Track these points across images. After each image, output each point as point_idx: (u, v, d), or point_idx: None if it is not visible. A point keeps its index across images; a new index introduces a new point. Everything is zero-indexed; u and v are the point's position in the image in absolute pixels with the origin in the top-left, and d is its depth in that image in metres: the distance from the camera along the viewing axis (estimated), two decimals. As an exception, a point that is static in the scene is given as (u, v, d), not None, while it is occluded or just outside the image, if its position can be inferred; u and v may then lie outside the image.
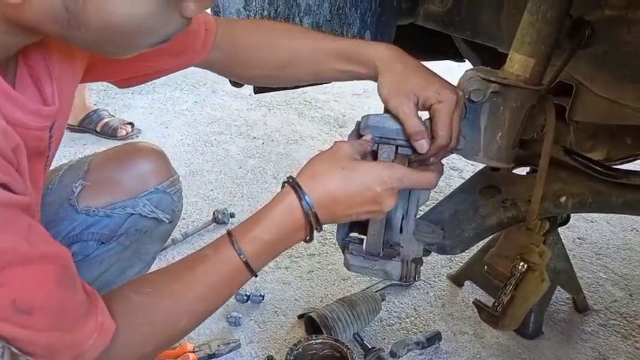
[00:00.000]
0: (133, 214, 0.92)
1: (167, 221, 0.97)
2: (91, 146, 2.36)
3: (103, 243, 0.92)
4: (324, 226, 0.71)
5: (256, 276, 0.70)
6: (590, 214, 2.03)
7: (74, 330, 0.58)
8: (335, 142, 0.74)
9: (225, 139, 2.54)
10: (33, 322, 0.53)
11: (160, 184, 0.95)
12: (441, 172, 0.79)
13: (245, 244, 0.68)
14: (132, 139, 2.33)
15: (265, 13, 1.10)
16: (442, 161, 0.84)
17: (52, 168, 0.96)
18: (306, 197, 0.67)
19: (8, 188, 0.51)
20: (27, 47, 0.60)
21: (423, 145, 0.76)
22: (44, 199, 0.88)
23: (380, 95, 0.80)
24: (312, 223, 0.69)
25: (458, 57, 1.53)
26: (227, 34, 0.89)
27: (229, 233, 0.69)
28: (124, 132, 2.41)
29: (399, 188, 0.71)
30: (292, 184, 0.69)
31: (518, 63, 0.86)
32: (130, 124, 2.45)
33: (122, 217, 0.91)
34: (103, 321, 0.60)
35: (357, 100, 3.05)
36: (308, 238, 0.71)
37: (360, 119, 0.81)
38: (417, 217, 0.96)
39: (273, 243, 0.69)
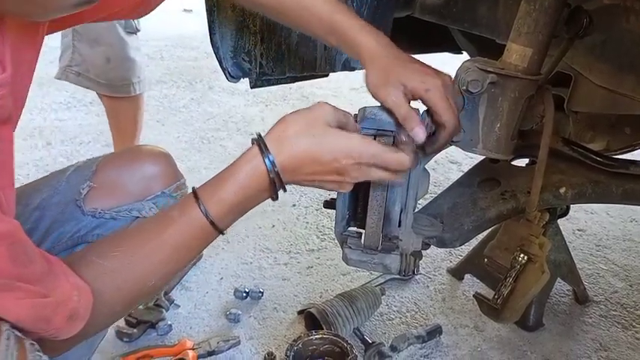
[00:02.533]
0: (138, 217, 0.92)
1: None
2: (87, 146, 2.35)
3: None
4: (323, 222, 0.71)
5: (223, 234, 0.71)
6: (589, 206, 2.02)
7: (50, 292, 0.57)
8: (319, 102, 0.72)
9: (222, 136, 2.53)
10: (12, 296, 0.53)
11: (167, 188, 0.95)
12: (415, 154, 0.77)
13: (211, 206, 0.68)
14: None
15: (260, 6, 1.09)
16: (440, 155, 0.83)
17: (60, 169, 0.97)
18: (270, 158, 0.67)
19: None
20: None
21: (419, 133, 0.75)
22: (50, 199, 0.89)
23: (368, 88, 0.80)
24: (276, 184, 0.69)
25: (455, 49, 1.52)
26: None
27: (195, 193, 0.69)
28: None
29: (369, 165, 0.70)
30: (259, 143, 0.68)
31: (516, 53, 0.85)
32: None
33: (127, 220, 0.91)
34: (75, 281, 0.60)
35: (356, 94, 3.05)
36: (274, 197, 0.71)
37: (357, 112, 0.80)
38: (416, 210, 0.96)
39: (239, 203, 0.69)
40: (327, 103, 0.72)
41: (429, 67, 0.81)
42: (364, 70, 0.81)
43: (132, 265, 0.68)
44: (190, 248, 0.71)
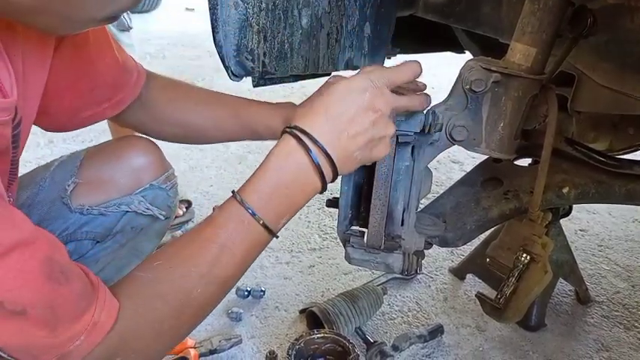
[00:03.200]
0: (128, 211, 0.90)
1: (163, 218, 0.95)
2: (89, 144, 2.35)
3: (98, 242, 0.90)
4: (324, 221, 0.70)
5: (277, 236, 0.65)
6: (592, 206, 2.02)
7: (62, 330, 0.53)
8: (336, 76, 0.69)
9: (224, 135, 2.53)
10: (29, 322, 0.50)
11: (155, 179, 0.93)
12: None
13: (248, 196, 0.62)
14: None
15: (263, 5, 1.09)
16: (443, 155, 0.84)
17: (43, 164, 0.95)
18: (308, 134, 0.62)
19: None
20: None
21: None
22: (35, 198, 0.87)
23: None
24: (323, 162, 0.62)
25: (458, 48, 1.52)
26: (150, 86, 0.91)
27: (233, 192, 0.64)
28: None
29: (385, 85, 0.66)
30: (289, 130, 0.64)
31: (519, 52, 0.85)
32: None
33: (117, 215, 0.89)
34: (98, 319, 0.56)
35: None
36: (321, 185, 0.64)
37: None
38: (419, 209, 0.95)
39: (278, 189, 0.63)
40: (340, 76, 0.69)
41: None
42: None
43: (172, 270, 0.61)
44: (237, 247, 0.63)
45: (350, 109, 0.63)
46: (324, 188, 0.65)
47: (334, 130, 0.63)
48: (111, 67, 0.83)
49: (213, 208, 1.82)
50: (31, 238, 0.52)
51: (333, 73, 0.82)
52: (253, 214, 0.62)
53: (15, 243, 0.49)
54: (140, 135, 0.97)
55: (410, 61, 0.71)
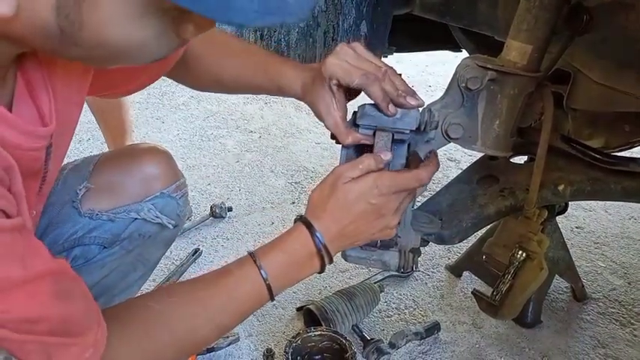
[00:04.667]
0: (137, 218, 0.90)
1: (172, 227, 0.95)
2: (86, 143, 2.35)
3: (105, 247, 0.90)
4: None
5: (273, 300, 0.72)
6: (588, 203, 2.03)
7: (73, 341, 0.56)
8: (334, 168, 0.76)
9: (221, 134, 2.53)
10: (44, 335, 0.53)
11: (166, 188, 0.93)
12: (436, 167, 0.79)
13: (266, 264, 0.70)
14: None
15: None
16: (439, 153, 0.84)
17: None
18: (317, 233, 0.72)
19: (3, 212, 0.50)
20: (26, 63, 0.58)
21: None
22: (47, 200, 0.87)
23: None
24: (324, 255, 0.72)
25: (455, 47, 1.52)
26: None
27: (251, 253, 0.72)
28: None
29: (393, 192, 0.72)
30: (303, 221, 0.73)
31: (515, 50, 0.85)
32: None
33: (126, 222, 0.90)
34: (99, 337, 0.59)
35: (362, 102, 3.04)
36: (320, 268, 0.74)
37: (356, 109, 0.80)
38: (415, 207, 0.96)
39: (290, 267, 0.72)
40: (340, 166, 0.75)
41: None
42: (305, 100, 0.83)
43: (184, 307, 0.68)
44: (241, 305, 0.71)
45: (357, 219, 0.72)
46: (322, 271, 0.75)
47: (339, 233, 0.73)
48: None
49: (211, 208, 1.82)
50: (52, 269, 0.55)
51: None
52: (266, 281, 0.70)
53: (41, 272, 0.53)
54: (153, 144, 0.99)
55: (421, 170, 0.75)
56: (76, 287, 0.59)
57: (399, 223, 0.82)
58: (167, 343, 0.67)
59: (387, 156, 0.75)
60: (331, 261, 0.74)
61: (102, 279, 0.91)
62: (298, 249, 0.72)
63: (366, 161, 0.73)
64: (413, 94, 0.77)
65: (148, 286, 1.26)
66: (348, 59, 0.76)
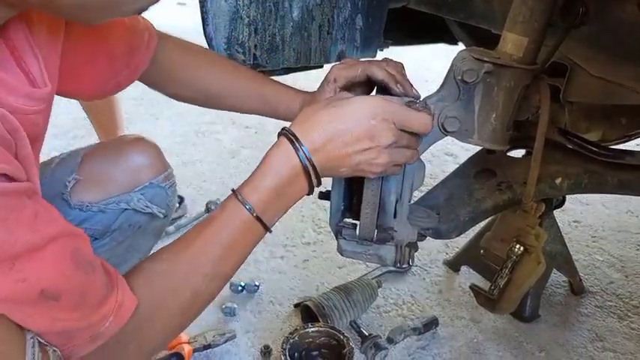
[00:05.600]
0: (127, 209, 0.90)
1: (162, 216, 0.96)
2: (80, 140, 2.33)
3: (96, 239, 0.90)
4: (319, 215, 0.73)
5: (270, 231, 0.69)
6: (585, 197, 2.02)
7: (93, 312, 0.57)
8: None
9: (217, 130, 2.52)
10: (60, 307, 0.53)
11: (155, 178, 0.93)
12: (432, 117, 0.75)
13: (248, 195, 0.66)
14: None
15: (254, -3, 1.08)
16: (437, 147, 0.84)
17: (43, 160, 0.94)
18: (300, 142, 0.66)
19: (8, 177, 0.50)
20: (9, 30, 0.57)
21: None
22: None
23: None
24: (309, 170, 0.67)
25: (451, 40, 1.52)
26: (164, 47, 0.91)
27: (233, 190, 0.68)
28: None
29: (393, 122, 0.67)
30: (285, 132, 0.68)
31: (511, 42, 0.84)
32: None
33: (116, 213, 0.90)
34: (122, 300, 0.59)
35: (351, 87, 3.03)
36: (308, 189, 0.69)
37: None
38: (412, 201, 0.95)
39: (276, 189, 0.67)
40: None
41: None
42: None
43: (180, 265, 0.66)
44: (238, 244, 0.68)
45: (349, 131, 0.66)
46: (310, 192, 0.70)
47: (327, 145, 0.66)
48: (122, 36, 0.82)
49: (207, 205, 1.81)
50: (65, 231, 0.55)
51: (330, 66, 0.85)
52: (253, 213, 0.66)
53: (53, 235, 0.52)
54: (140, 135, 0.98)
55: (424, 114, 0.71)
56: (94, 257, 0.59)
57: (394, 217, 0.82)
58: (173, 306, 0.65)
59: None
60: (319, 181, 0.69)
61: None
62: (282, 168, 0.67)
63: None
64: (410, 84, 0.77)
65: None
66: (347, 62, 0.81)
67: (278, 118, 0.94)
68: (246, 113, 0.98)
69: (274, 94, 0.93)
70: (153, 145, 0.96)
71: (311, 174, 0.67)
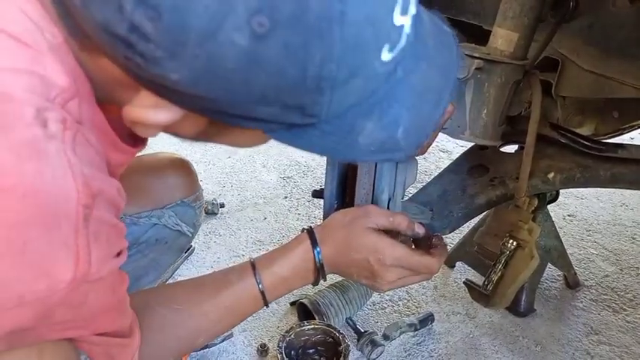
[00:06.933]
0: (157, 224, 0.92)
1: (189, 234, 0.99)
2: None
3: None
4: (314, 214, 0.78)
5: (267, 306, 0.76)
6: (580, 191, 2.03)
7: (128, 341, 0.60)
8: (369, 206, 0.78)
9: (212, 129, 2.52)
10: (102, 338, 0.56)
11: (187, 197, 0.96)
12: (445, 255, 0.80)
13: (265, 276, 0.74)
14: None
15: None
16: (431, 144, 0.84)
17: None
18: (318, 250, 0.74)
19: (121, 252, 0.53)
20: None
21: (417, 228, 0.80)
22: None
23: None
24: (319, 272, 0.75)
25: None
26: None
27: (252, 263, 0.75)
28: None
29: (396, 266, 0.73)
30: (310, 233, 0.76)
31: (501, 38, 0.85)
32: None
33: (146, 226, 0.92)
34: (137, 343, 0.62)
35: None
36: (313, 282, 0.77)
37: None
38: (405, 198, 0.95)
39: (287, 280, 0.75)
40: (375, 207, 0.77)
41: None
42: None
43: (190, 319, 0.72)
44: (238, 314, 0.75)
45: (352, 264, 0.75)
46: (315, 284, 0.78)
47: (335, 261, 0.75)
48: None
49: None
50: (127, 285, 0.59)
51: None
52: (263, 293, 0.74)
53: (124, 295, 0.58)
54: (178, 155, 1.02)
55: (433, 260, 0.76)
56: (127, 296, 0.62)
57: None
58: (170, 348, 0.72)
59: (421, 230, 0.78)
60: (325, 278, 0.77)
61: None
62: (298, 263, 0.75)
63: (399, 219, 0.76)
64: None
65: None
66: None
67: None
68: None
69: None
70: (188, 164, 1.00)
71: (319, 276, 0.76)
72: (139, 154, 0.72)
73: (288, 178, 2.11)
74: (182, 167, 0.99)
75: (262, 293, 0.73)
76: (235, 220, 1.81)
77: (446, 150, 2.33)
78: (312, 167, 2.19)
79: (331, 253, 0.74)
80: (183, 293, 0.75)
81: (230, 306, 0.74)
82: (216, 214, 1.82)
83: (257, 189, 2.02)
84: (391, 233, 0.76)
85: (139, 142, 0.64)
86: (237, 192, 1.99)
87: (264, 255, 0.77)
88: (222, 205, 1.85)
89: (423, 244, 0.80)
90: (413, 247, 0.81)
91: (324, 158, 0.83)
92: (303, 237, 0.76)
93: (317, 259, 0.74)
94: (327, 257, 0.74)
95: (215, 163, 2.20)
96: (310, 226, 0.78)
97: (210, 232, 1.74)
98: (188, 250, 1.62)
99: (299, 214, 1.85)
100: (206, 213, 1.81)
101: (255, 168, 2.17)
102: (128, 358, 0.60)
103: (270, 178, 2.11)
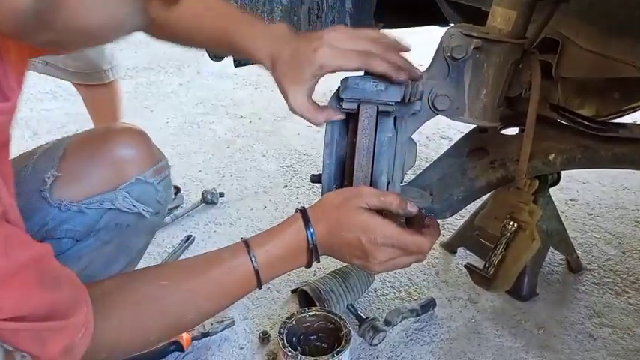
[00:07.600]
0: (111, 208, 0.84)
1: (149, 215, 0.88)
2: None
3: (78, 240, 0.84)
4: (314, 201, 0.76)
5: (260, 287, 0.74)
6: (582, 176, 2.02)
7: (63, 319, 0.56)
8: (362, 186, 0.77)
9: (211, 120, 2.51)
10: (32, 322, 0.52)
11: (142, 173, 0.86)
12: (436, 236, 0.79)
13: (259, 254, 0.72)
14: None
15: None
16: (432, 131, 0.83)
17: (28, 150, 0.90)
18: (311, 230, 0.73)
19: None
20: None
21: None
22: (17, 187, 0.83)
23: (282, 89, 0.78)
24: (313, 253, 0.74)
25: (443, 21, 1.50)
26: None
27: (245, 241, 0.73)
28: None
29: (388, 245, 0.72)
30: (303, 215, 0.74)
31: (500, 17, 0.83)
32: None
33: (99, 212, 0.83)
34: (88, 317, 0.59)
35: (345, 75, 3.01)
36: (307, 264, 0.76)
37: (340, 83, 0.78)
38: (405, 182, 0.94)
39: (281, 258, 0.74)
40: (368, 187, 0.77)
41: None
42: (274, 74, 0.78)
43: (177, 293, 0.70)
44: (229, 292, 0.73)
45: (344, 244, 0.74)
46: (308, 266, 0.77)
47: (328, 242, 0.74)
48: None
49: (202, 194, 1.81)
50: (34, 255, 0.54)
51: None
52: (257, 271, 0.72)
53: (24, 262, 0.51)
54: (128, 124, 0.90)
55: (424, 239, 0.75)
56: (61, 270, 0.58)
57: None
58: (155, 326, 0.70)
59: (413, 209, 0.77)
60: (318, 260, 0.76)
61: (82, 270, 0.85)
62: (292, 242, 0.73)
63: (391, 198, 0.75)
64: (411, 66, 0.77)
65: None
66: (340, 45, 0.74)
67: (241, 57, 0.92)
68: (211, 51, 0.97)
69: (241, 45, 0.81)
70: (141, 135, 0.88)
71: (313, 256, 0.75)
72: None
73: (287, 167, 2.10)
74: (133, 138, 0.87)
75: (256, 272, 0.72)
76: (235, 209, 1.81)
77: (447, 137, 2.32)
78: (311, 155, 2.18)
79: (324, 233, 0.73)
80: (171, 270, 0.73)
81: (221, 282, 0.72)
82: (215, 203, 1.82)
83: (257, 178, 2.01)
84: (386, 215, 0.75)
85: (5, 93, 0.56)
86: (236, 181, 1.99)
87: (256, 235, 0.75)
88: (221, 195, 1.85)
89: (417, 225, 0.79)
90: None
91: (323, 147, 0.82)
92: (296, 217, 0.75)
93: (310, 240, 0.73)
94: (320, 237, 0.73)
95: (214, 154, 2.19)
96: (303, 207, 0.76)
97: (209, 222, 1.74)
98: (188, 239, 1.62)
99: (299, 202, 1.84)
100: (205, 203, 1.81)
101: (255, 157, 2.17)
102: (63, 342, 0.55)
103: (270, 167, 2.10)
